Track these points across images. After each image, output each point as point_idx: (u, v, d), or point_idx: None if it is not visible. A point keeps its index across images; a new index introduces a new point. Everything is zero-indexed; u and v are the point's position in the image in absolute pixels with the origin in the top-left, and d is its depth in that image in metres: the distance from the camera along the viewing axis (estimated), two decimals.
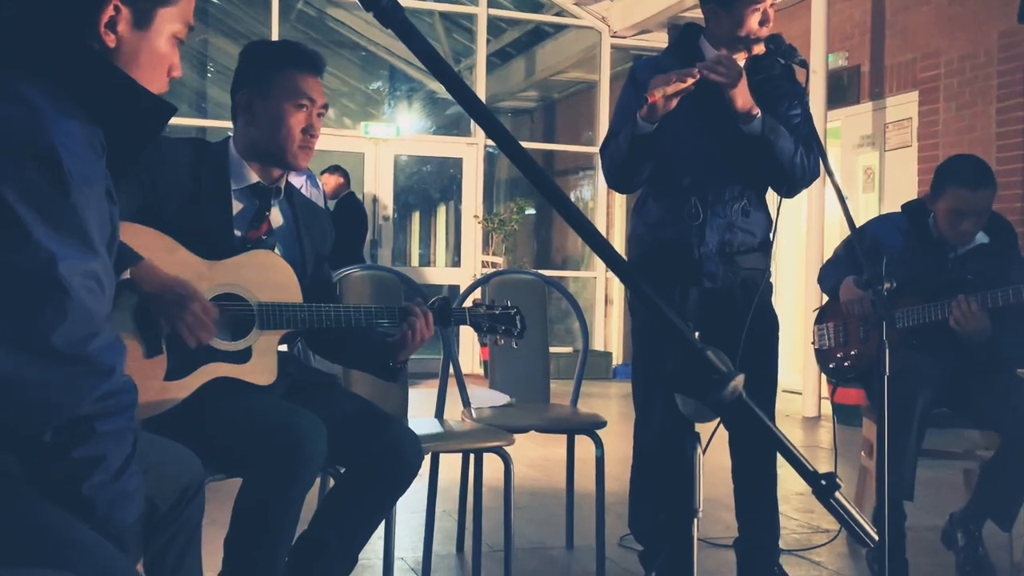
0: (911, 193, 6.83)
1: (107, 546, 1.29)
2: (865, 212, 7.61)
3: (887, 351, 2.28)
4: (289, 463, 2.02)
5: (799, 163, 2.70)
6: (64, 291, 1.26)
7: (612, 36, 9.78)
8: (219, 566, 2.07)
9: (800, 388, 7.31)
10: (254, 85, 2.24)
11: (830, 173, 2.44)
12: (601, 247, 0.92)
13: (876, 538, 1.02)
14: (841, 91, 7.48)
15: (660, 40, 9.61)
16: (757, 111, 2.62)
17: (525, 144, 11.91)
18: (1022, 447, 2.96)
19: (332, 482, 2.37)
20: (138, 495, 1.40)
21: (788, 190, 2.76)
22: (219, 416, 2.08)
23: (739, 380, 0.94)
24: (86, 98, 1.34)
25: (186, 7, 1.49)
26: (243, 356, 2.20)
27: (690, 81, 2.53)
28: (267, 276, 2.24)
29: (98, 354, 1.29)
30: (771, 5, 2.68)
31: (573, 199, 11.74)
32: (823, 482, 0.99)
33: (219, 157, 2.27)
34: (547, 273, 9.95)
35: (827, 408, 7.03)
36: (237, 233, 2.25)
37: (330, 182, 8.06)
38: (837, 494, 1.00)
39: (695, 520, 0.97)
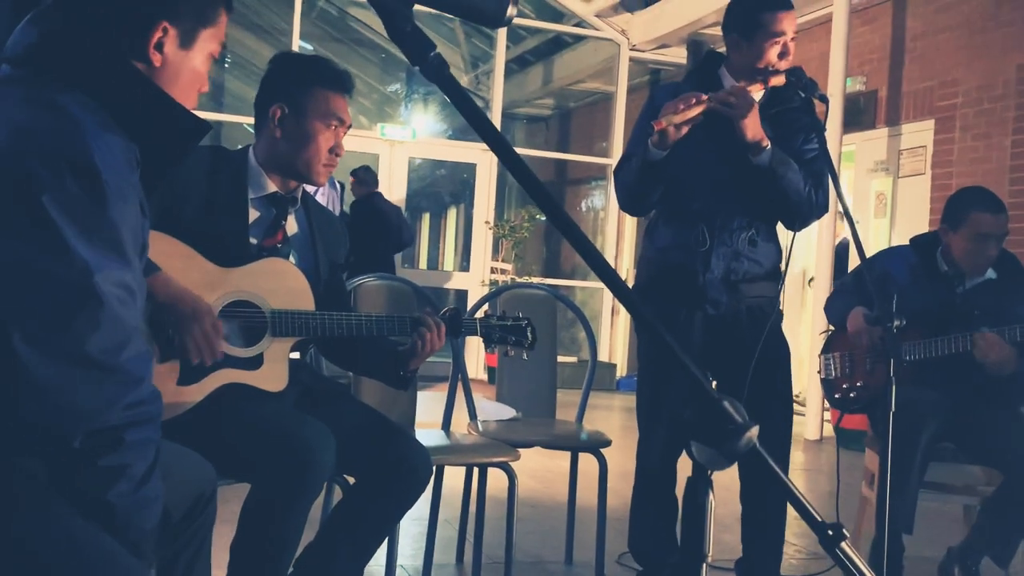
0: (923, 220, 6.83)
1: (127, 557, 1.31)
2: (876, 237, 7.62)
3: (893, 387, 2.29)
4: (297, 472, 2.04)
5: (807, 197, 2.72)
6: (98, 301, 1.28)
7: (631, 49, 9.81)
8: (225, 566, 2.10)
9: (803, 408, 7.32)
10: (287, 100, 2.26)
11: (844, 205, 2.45)
12: (630, 302, 0.94)
13: None
14: (857, 115, 7.49)
15: (679, 55, 9.63)
16: (767, 143, 2.65)
17: (539, 152, 12.00)
18: (1021, 487, 2.97)
19: (338, 491, 2.40)
20: (158, 502, 1.43)
21: (795, 223, 2.78)
22: (230, 422, 2.10)
23: (754, 431, 0.95)
24: (125, 114, 1.37)
25: (223, 26, 1.52)
26: (255, 363, 2.22)
27: (699, 110, 2.55)
28: (281, 283, 2.26)
29: (128, 363, 1.32)
30: (792, 39, 2.70)
31: (584, 208, 11.77)
32: (830, 532, 1.01)
33: (237, 165, 2.29)
34: (555, 282, 10.05)
35: (829, 430, 7.04)
36: (253, 241, 2.28)
37: (357, 188, 8.03)
38: (843, 544, 1.02)
39: (704, 565, 0.99)
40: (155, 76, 1.46)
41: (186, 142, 1.46)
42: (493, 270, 9.42)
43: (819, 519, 1.02)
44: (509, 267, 9.38)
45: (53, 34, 1.39)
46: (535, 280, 9.28)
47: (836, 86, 7.11)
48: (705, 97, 2.56)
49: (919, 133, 7.19)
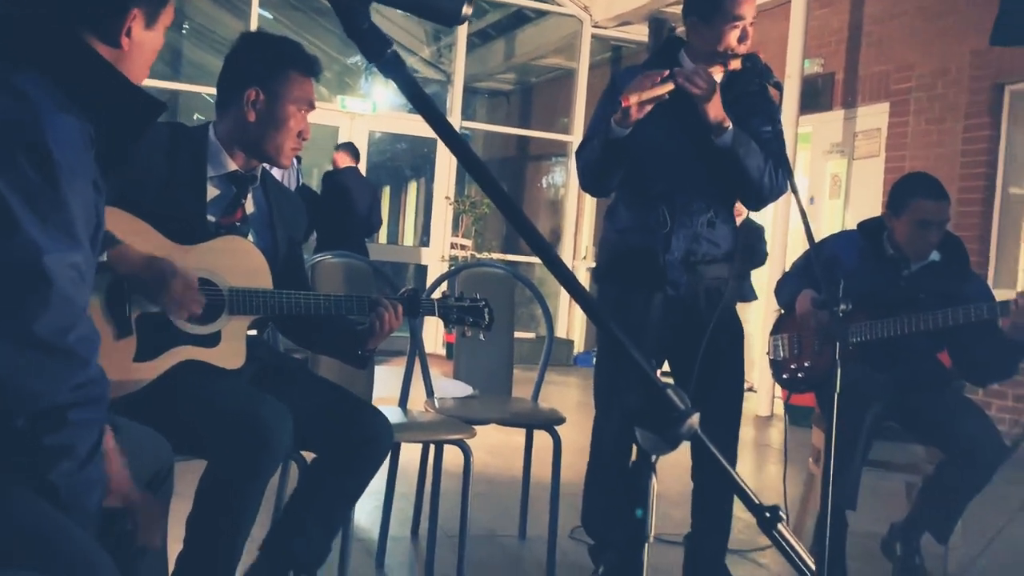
0: (876, 202, 6.96)
1: (86, 539, 1.33)
2: (830, 218, 7.74)
3: (839, 370, 2.36)
4: (253, 451, 2.07)
5: (767, 178, 2.78)
6: (48, 282, 1.29)
7: (593, 26, 9.81)
8: (181, 539, 2.12)
9: (755, 385, 7.45)
10: (262, 84, 2.26)
11: (795, 191, 2.51)
12: (577, 292, 0.97)
13: (814, 568, 1.09)
14: (814, 97, 7.58)
15: (640, 33, 9.65)
16: (729, 124, 2.69)
17: (500, 128, 11.96)
18: (962, 465, 3.07)
19: (295, 468, 2.42)
20: (101, 483, 1.45)
21: (755, 203, 2.85)
22: (187, 399, 2.11)
23: (695, 418, 1.00)
24: (81, 94, 1.37)
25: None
26: (212, 340, 2.24)
27: (665, 88, 2.59)
28: (239, 262, 2.27)
29: (76, 344, 1.33)
30: (751, 24, 2.74)
31: (545, 185, 11.76)
32: (767, 515, 1.05)
33: (197, 143, 2.29)
34: (515, 258, 10.07)
35: (779, 407, 7.17)
36: (211, 219, 2.28)
37: (341, 159, 7.95)
38: (780, 526, 1.07)
39: (646, 545, 1.04)
40: (122, 59, 1.47)
41: (142, 121, 1.47)
42: (453, 246, 9.42)
43: (757, 502, 1.07)
44: (469, 243, 9.39)
45: (11, 15, 1.39)
46: (495, 256, 9.30)
47: (794, 67, 7.19)
48: (667, 74, 2.59)
49: (874, 116, 7.31)
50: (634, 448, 1.07)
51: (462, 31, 9.58)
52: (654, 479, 1.05)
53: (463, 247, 9.34)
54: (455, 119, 9.61)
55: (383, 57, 0.87)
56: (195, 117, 10.54)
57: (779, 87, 2.71)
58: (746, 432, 6.39)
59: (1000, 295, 6.08)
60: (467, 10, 0.90)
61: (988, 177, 6.37)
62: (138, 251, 2.07)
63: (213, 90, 2.40)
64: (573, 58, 10.09)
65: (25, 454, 1.32)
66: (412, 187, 14.99)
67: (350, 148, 8.09)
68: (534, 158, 12.11)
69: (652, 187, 2.83)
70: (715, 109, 2.66)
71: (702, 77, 2.61)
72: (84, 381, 1.34)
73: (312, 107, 2.32)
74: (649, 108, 2.60)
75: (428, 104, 0.88)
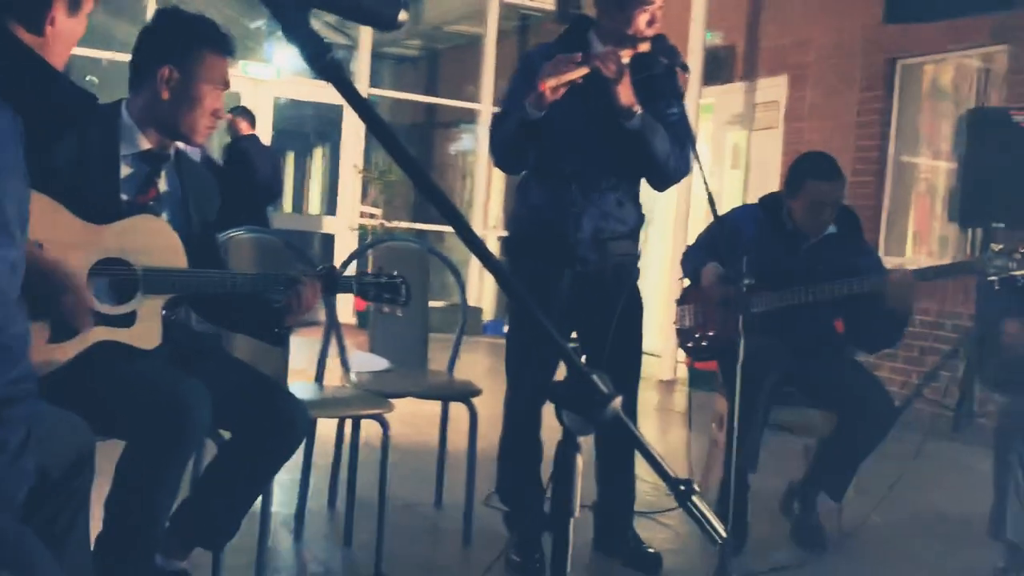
0: (775, 172, 7.18)
1: (20, 530, 1.34)
2: (731, 188, 7.96)
3: (742, 341, 2.48)
4: (172, 430, 2.07)
5: (672, 161, 2.87)
6: None
7: None
8: (100, 521, 2.11)
9: (659, 352, 7.64)
10: (176, 62, 2.23)
11: (701, 168, 2.63)
12: (492, 265, 1.02)
13: (724, 535, 1.17)
14: (716, 69, 7.75)
15: (548, 1, 9.68)
16: (638, 108, 2.77)
17: (407, 95, 11.87)
18: (854, 427, 3.26)
19: (212, 447, 2.43)
20: (31, 475, 1.45)
21: (660, 184, 2.96)
22: (103, 380, 2.10)
23: (618, 401, 1.06)
24: (10, 89, 1.35)
25: None
26: (127, 320, 2.22)
27: (579, 72, 2.65)
28: (152, 241, 2.26)
29: (12, 341, 1.33)
30: (660, 7, 2.81)
31: (454, 152, 11.73)
32: (682, 488, 1.13)
33: (109, 120, 2.26)
34: (424, 227, 10.06)
35: (683, 371, 7.38)
36: (124, 197, 2.26)
37: (242, 126, 7.73)
38: (693, 497, 1.15)
39: (571, 520, 1.11)
40: (43, 47, 1.45)
41: (72, 116, 1.46)
42: (362, 215, 9.36)
43: (672, 475, 1.14)
44: (378, 212, 9.35)
45: None
46: (404, 225, 9.28)
47: (696, 40, 7.34)
48: (583, 62, 2.65)
49: (773, 88, 7.52)
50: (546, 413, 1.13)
51: None
52: (579, 458, 1.11)
53: (372, 216, 9.30)
54: (362, 85, 9.50)
55: (323, 62, 0.90)
56: (87, 78, 10.18)
57: (686, 69, 2.81)
58: (650, 396, 6.58)
59: (890, 262, 6.37)
60: (403, 17, 0.93)
61: (881, 148, 6.64)
62: (41, 255, 2.01)
63: (109, 55, 2.37)
64: (481, 25, 10.07)
65: None
66: (317, 154, 14.77)
67: (248, 114, 7.91)
68: (442, 125, 12.07)
69: (564, 166, 2.90)
70: (625, 93, 2.74)
71: (614, 61, 2.68)
72: (17, 376, 1.34)
73: (227, 86, 2.32)
74: (563, 90, 2.65)
75: (368, 108, 0.91)
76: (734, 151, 8.06)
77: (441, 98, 11.47)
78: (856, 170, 6.73)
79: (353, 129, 9.56)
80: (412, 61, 12.97)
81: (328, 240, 9.75)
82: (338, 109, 9.82)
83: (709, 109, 8.09)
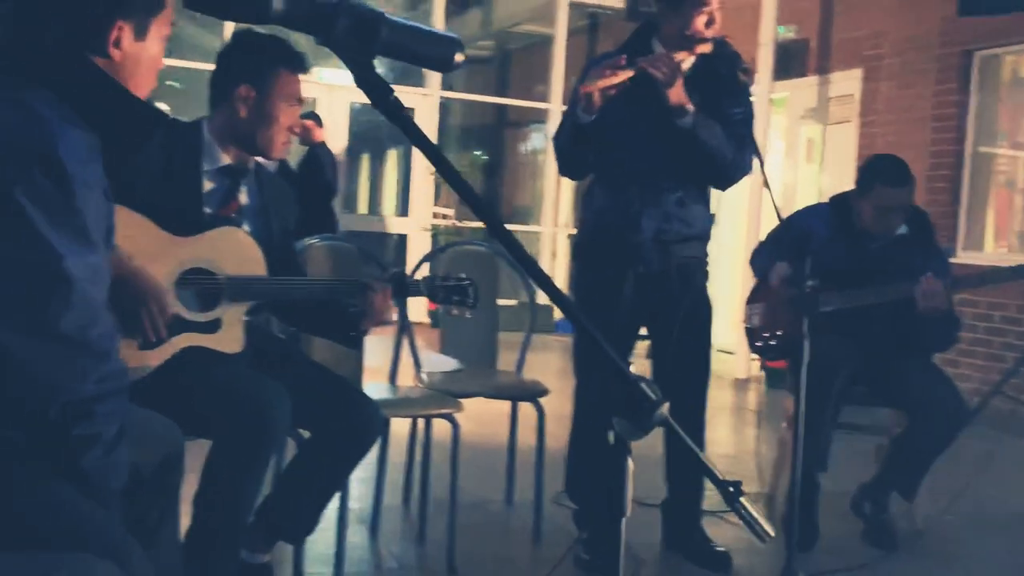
0: (850, 166, 7.10)
1: (101, 512, 1.46)
2: (805, 182, 7.88)
3: (807, 343, 2.50)
4: (255, 430, 2.19)
5: (730, 159, 2.90)
6: (68, 283, 1.41)
7: None
8: (188, 517, 2.24)
9: (733, 349, 7.62)
10: (254, 81, 2.35)
11: (763, 170, 2.66)
12: (555, 295, 1.09)
13: (772, 535, 1.22)
14: (789, 63, 7.69)
15: (617, 0, 9.68)
16: (691, 107, 2.81)
17: (478, 97, 11.97)
18: (926, 427, 3.24)
19: (292, 445, 2.55)
20: (125, 467, 1.57)
21: (720, 183, 2.99)
22: (191, 383, 2.22)
23: (665, 407, 1.12)
24: (86, 109, 1.47)
25: (170, 10, 1.61)
26: (213, 327, 2.34)
27: (623, 76, 2.70)
28: (235, 251, 2.38)
29: (97, 339, 1.45)
30: (718, 9, 2.84)
31: (524, 151, 11.80)
32: (731, 489, 1.19)
33: (192, 138, 2.38)
34: None
35: (756, 369, 7.34)
36: (207, 211, 2.38)
37: (316, 132, 7.85)
38: (742, 499, 1.20)
39: (623, 519, 1.17)
40: (116, 70, 1.55)
41: (144, 132, 1.56)
42: (435, 215, 9.50)
43: (721, 478, 1.20)
44: (451, 212, 9.48)
45: (16, 35, 1.48)
46: (475, 225, 9.39)
47: (767, 34, 7.29)
48: (624, 62, 2.70)
49: (848, 82, 7.42)
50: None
51: None
52: (630, 461, 1.18)
53: (445, 216, 9.43)
54: (433, 88, 9.64)
55: (387, 102, 0.98)
56: (167, 83, 10.52)
57: (747, 72, 2.83)
58: (725, 395, 6.57)
59: (969, 257, 6.26)
60: (459, 58, 1.01)
61: (957, 141, 6.51)
62: (129, 262, 2.13)
63: (189, 63, 2.49)
64: (550, 25, 10.12)
65: (57, 443, 1.44)
66: (391, 156, 14.99)
67: (317, 118, 8.04)
68: (513, 125, 12.16)
69: (623, 169, 2.95)
70: (676, 93, 2.77)
71: (664, 63, 2.73)
72: (107, 374, 1.46)
73: (301, 102, 2.42)
74: (613, 94, 2.71)
75: (426, 141, 0.99)
76: (808, 145, 7.98)
77: (511, 98, 11.56)
78: (932, 164, 6.61)
79: (425, 132, 9.67)
80: (484, 62, 13.09)
81: (402, 240, 9.92)
82: (411, 113, 9.95)
83: (782, 103, 8.03)
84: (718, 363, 6.85)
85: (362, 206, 15.54)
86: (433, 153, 0.99)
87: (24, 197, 1.38)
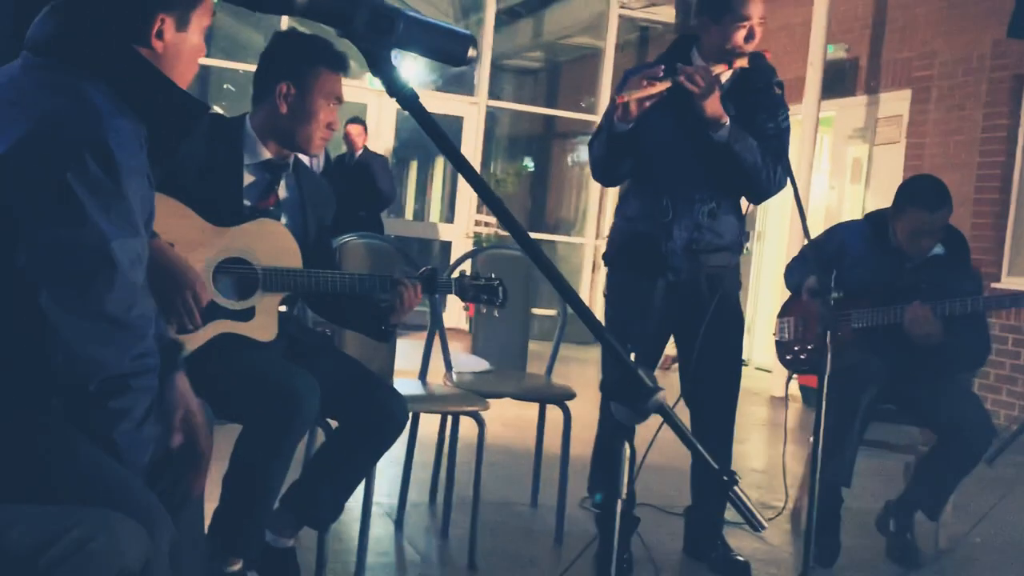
0: (896, 188, 7.03)
1: (145, 489, 1.53)
2: (851, 202, 7.83)
3: (829, 355, 2.52)
4: (285, 416, 2.26)
5: (764, 173, 2.92)
6: (113, 265, 1.50)
7: (620, 6, 9.90)
8: (218, 497, 2.32)
9: (770, 367, 7.57)
10: (294, 79, 2.43)
11: (794, 185, 2.68)
12: (567, 293, 1.14)
13: (765, 525, 1.26)
14: (838, 82, 7.65)
15: (667, 14, 9.73)
16: (726, 120, 2.84)
17: (526, 107, 12.06)
18: (953, 446, 3.22)
19: (321, 434, 2.62)
20: (152, 442, 1.65)
21: (754, 197, 3.02)
22: (224, 368, 2.31)
23: (662, 394, 1.17)
24: (134, 99, 1.56)
25: (210, 2, 1.69)
26: (247, 315, 2.43)
27: (659, 87, 2.74)
28: (272, 243, 2.46)
29: (136, 320, 1.53)
30: (759, 23, 2.88)
31: (571, 163, 11.83)
32: (724, 478, 1.23)
33: (234, 132, 2.48)
34: (538, 236, 10.21)
35: (794, 387, 7.29)
36: (247, 203, 2.47)
37: (357, 138, 7.97)
38: (736, 488, 1.24)
39: (619, 501, 1.21)
40: (159, 60, 1.64)
41: (188, 123, 1.64)
42: (477, 223, 9.59)
43: (715, 467, 1.24)
44: (493, 220, 9.56)
45: (69, 26, 1.58)
46: None
47: (816, 53, 7.27)
48: (662, 74, 2.75)
49: (896, 102, 7.37)
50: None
51: (490, 9, 9.70)
52: (627, 446, 1.22)
53: (487, 224, 9.51)
54: (482, 97, 9.75)
55: (403, 93, 1.05)
56: (224, 87, 10.75)
57: (780, 86, 2.86)
58: (760, 411, 6.55)
59: (1015, 282, 6.18)
60: (472, 53, 1.07)
61: (1006, 166, 6.44)
62: (170, 251, 2.23)
63: (243, 66, 2.57)
64: (600, 38, 10.18)
65: (94, 415, 1.52)
66: (439, 164, 15.13)
67: (361, 123, 8.15)
68: (560, 136, 12.22)
69: (657, 178, 2.99)
70: (712, 106, 2.81)
71: (701, 75, 2.77)
72: (143, 352, 1.54)
73: (340, 101, 2.50)
74: (648, 104, 2.75)
75: (440, 132, 1.05)
76: (855, 165, 7.92)
77: (560, 110, 11.63)
78: (979, 187, 6.55)
79: (471, 140, 9.80)
80: (533, 73, 13.18)
81: (446, 247, 10.02)
82: (459, 120, 10.09)
83: (829, 122, 7.99)
84: (756, 380, 6.86)
85: (409, 212, 15.69)
86: (451, 151, 1.05)
87: (76, 182, 1.47)
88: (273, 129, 2.47)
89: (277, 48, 2.49)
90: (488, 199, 1.12)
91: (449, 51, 1.08)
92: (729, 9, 2.88)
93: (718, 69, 2.85)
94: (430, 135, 1.04)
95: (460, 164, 1.07)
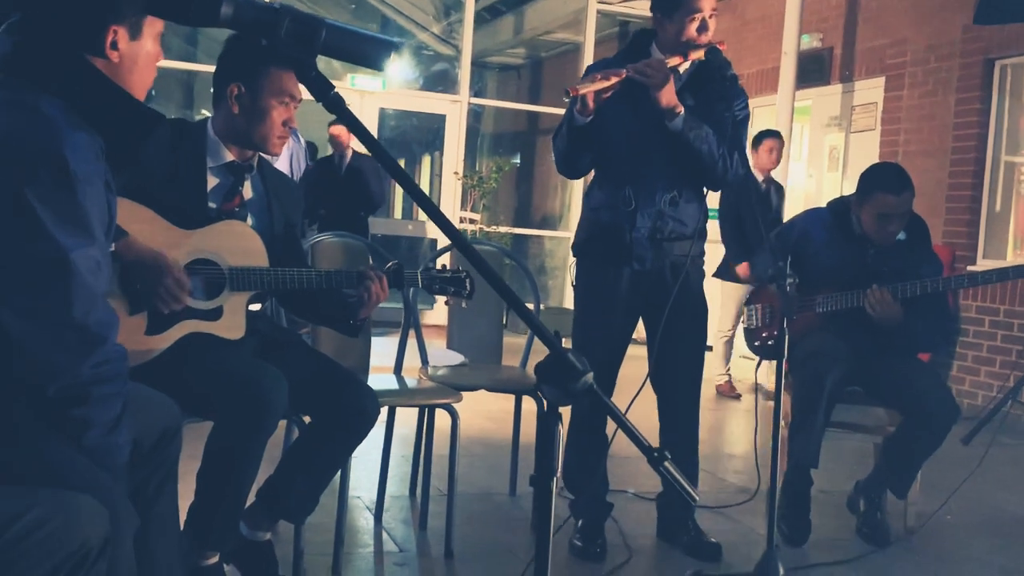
0: None
1: (107, 477, 1.59)
2: (829, 190, 7.90)
3: (787, 339, 2.58)
4: (253, 412, 2.31)
5: (721, 162, 2.99)
6: (71, 273, 1.56)
7: (599, 2, 9.95)
8: (193, 492, 2.38)
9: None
10: (243, 79, 2.48)
11: (750, 174, 2.74)
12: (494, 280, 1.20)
13: (697, 498, 1.33)
14: (813, 71, 7.72)
15: (645, 8, 9.68)
16: (680, 109, 2.91)
17: (509, 104, 12.09)
18: (918, 425, 3.29)
19: (296, 431, 2.68)
20: (126, 446, 1.71)
21: (712, 184, 3.08)
22: (194, 367, 2.36)
23: (589, 376, 1.23)
24: (89, 112, 1.61)
25: None
26: (215, 314, 2.48)
27: (613, 80, 2.81)
28: (237, 243, 2.51)
29: (94, 325, 1.59)
30: (711, 16, 2.94)
31: (553, 159, 11.88)
32: (655, 454, 1.29)
33: (197, 137, 2.53)
34: (524, 231, 10.25)
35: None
36: (212, 205, 2.52)
37: (341, 136, 7.98)
38: (666, 463, 1.30)
39: (554, 478, 1.28)
40: (116, 70, 1.69)
41: (143, 132, 1.70)
42: (462, 220, 9.64)
43: (646, 444, 1.30)
44: (478, 217, 9.61)
45: (24, 44, 1.63)
46: (503, 230, 9.51)
47: (791, 43, 7.34)
48: (622, 71, 2.81)
49: (870, 90, 7.45)
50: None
51: (470, 6, 9.75)
52: (560, 426, 1.28)
53: (472, 221, 9.56)
54: (463, 94, 9.79)
55: (328, 97, 1.11)
56: (211, 91, 10.77)
57: (735, 79, 2.92)
58: (743, 399, 6.61)
59: (989, 265, 6.26)
60: (392, 59, 1.13)
61: (979, 149, 6.51)
62: (142, 244, 2.30)
63: None
64: (580, 33, 10.24)
65: (56, 422, 1.58)
66: (425, 162, 15.18)
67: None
68: (544, 132, 12.26)
69: (619, 169, 3.06)
70: (667, 96, 2.88)
71: (653, 67, 2.83)
72: (103, 359, 1.60)
73: (296, 100, 2.52)
74: (605, 97, 2.82)
75: (366, 133, 1.11)
76: (831, 153, 8.00)
77: (543, 106, 11.68)
78: (954, 172, 6.63)
79: (455, 137, 9.86)
80: (515, 69, 13.23)
81: (432, 244, 10.08)
82: (441, 119, 10.13)
83: (806, 111, 8.06)
84: (738, 368, 6.93)
85: (396, 211, 15.73)
86: (378, 150, 1.10)
87: (33, 196, 1.53)
88: (231, 131, 2.52)
89: (229, 50, 2.53)
90: (417, 197, 1.18)
91: (371, 56, 1.14)
92: (680, 5, 2.95)
93: (674, 61, 2.92)
94: (358, 136, 1.10)
95: (391, 168, 1.12)
